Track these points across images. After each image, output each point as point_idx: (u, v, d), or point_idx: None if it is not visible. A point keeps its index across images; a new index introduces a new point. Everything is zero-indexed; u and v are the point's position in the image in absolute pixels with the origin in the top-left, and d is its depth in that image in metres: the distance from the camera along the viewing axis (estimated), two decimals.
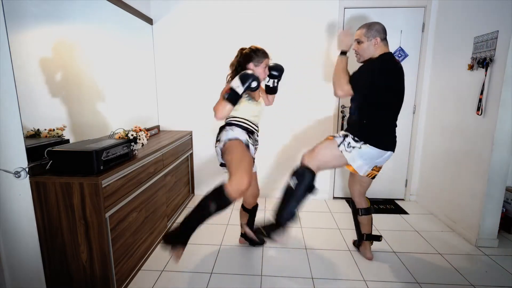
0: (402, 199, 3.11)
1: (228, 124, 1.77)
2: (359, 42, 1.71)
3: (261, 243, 2.13)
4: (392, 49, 2.83)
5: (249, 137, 1.76)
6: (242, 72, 1.58)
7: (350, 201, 2.07)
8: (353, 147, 1.66)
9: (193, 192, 3.22)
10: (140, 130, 2.09)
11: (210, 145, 3.14)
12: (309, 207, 2.90)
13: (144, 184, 1.90)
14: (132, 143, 1.79)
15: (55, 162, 1.43)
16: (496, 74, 1.98)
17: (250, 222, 2.07)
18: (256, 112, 1.80)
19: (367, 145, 1.64)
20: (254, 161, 1.88)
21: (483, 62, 2.05)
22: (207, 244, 2.20)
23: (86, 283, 1.52)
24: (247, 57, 1.73)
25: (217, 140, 1.77)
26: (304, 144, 3.06)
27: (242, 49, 1.79)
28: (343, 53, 1.73)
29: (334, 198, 3.16)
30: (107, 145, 1.51)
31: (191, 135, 3.11)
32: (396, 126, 1.75)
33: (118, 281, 1.61)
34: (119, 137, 1.91)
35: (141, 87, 2.73)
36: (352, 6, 2.80)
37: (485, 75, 2.04)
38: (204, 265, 1.93)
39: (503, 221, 2.33)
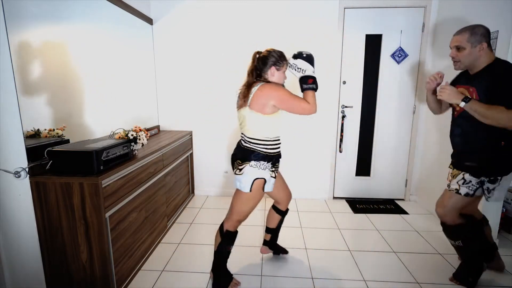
0: (402, 199, 3.11)
1: (256, 155, 1.54)
2: (459, 48, 1.52)
3: (285, 252, 2.06)
4: (392, 49, 2.85)
5: (275, 167, 1.62)
6: (303, 54, 1.51)
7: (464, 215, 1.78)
8: (494, 189, 1.52)
9: (193, 192, 3.22)
10: (140, 130, 2.09)
11: (210, 145, 3.14)
12: (309, 207, 2.90)
13: (144, 184, 1.90)
14: (132, 143, 1.79)
15: (55, 162, 1.43)
16: None
17: (279, 226, 1.95)
18: (278, 124, 1.59)
19: (505, 177, 1.49)
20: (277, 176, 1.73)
21: None
22: (207, 244, 2.20)
23: (86, 283, 1.52)
24: (264, 60, 1.54)
25: (239, 168, 1.56)
26: (304, 143, 3.06)
27: (257, 53, 1.57)
28: (466, 99, 1.45)
29: (334, 198, 3.16)
30: (107, 145, 1.51)
31: (191, 135, 3.11)
32: None
33: (118, 281, 1.61)
34: (119, 137, 1.91)
35: (141, 87, 2.73)
36: (352, 6, 2.80)
37: None
38: (204, 265, 1.93)
39: (503, 221, 2.32)
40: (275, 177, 1.62)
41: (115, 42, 2.25)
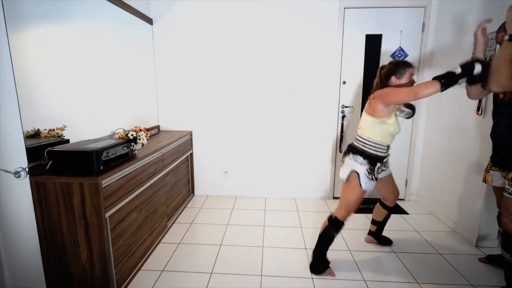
0: (402, 199, 3.11)
1: (355, 150, 1.74)
2: None
3: (389, 243, 2.18)
4: (392, 49, 2.85)
5: (371, 167, 1.71)
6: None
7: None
8: None
9: (193, 192, 3.22)
10: (140, 130, 2.09)
11: (210, 145, 3.14)
12: (309, 207, 2.90)
13: (144, 184, 1.90)
14: (132, 143, 1.79)
15: (55, 162, 1.43)
16: None
17: (385, 220, 2.10)
18: (396, 130, 1.70)
19: None
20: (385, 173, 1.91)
21: None
22: (207, 244, 2.20)
23: (86, 283, 1.52)
24: (388, 72, 1.68)
25: (342, 160, 1.82)
26: (304, 143, 3.06)
27: (381, 68, 1.75)
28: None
29: (334, 198, 3.16)
30: (107, 145, 1.51)
31: (191, 135, 3.11)
32: None
33: (118, 281, 1.61)
34: (119, 137, 1.91)
35: (141, 87, 2.73)
36: (352, 6, 2.80)
37: None
38: (204, 265, 1.93)
39: None
40: (372, 179, 1.72)
41: (115, 42, 2.25)
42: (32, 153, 1.39)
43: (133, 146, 1.81)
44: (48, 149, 1.42)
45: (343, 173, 1.78)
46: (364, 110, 1.77)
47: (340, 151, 3.03)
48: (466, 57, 2.27)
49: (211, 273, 1.85)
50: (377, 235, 2.17)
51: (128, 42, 2.46)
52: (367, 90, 2.93)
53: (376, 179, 1.77)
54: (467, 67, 1.38)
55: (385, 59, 2.87)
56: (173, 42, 2.97)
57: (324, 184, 3.13)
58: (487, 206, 2.09)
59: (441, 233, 2.37)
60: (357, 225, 2.51)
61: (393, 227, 2.48)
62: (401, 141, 3.01)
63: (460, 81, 1.41)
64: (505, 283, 1.63)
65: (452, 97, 2.46)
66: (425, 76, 2.83)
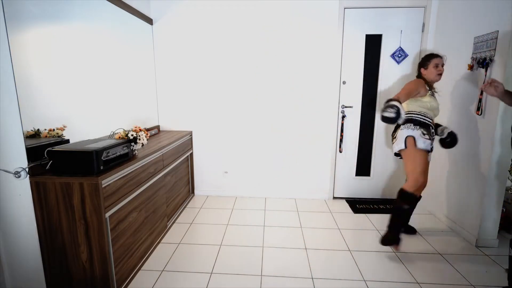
0: None
1: (406, 121, 2.00)
2: None
3: (414, 232, 2.31)
4: (392, 49, 2.86)
5: (424, 131, 1.94)
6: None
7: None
8: None
9: (193, 192, 3.22)
10: (140, 130, 2.09)
11: (210, 145, 3.14)
12: (309, 207, 2.90)
13: (144, 184, 1.90)
14: (132, 143, 1.79)
15: (55, 162, 1.43)
16: (496, 74, 1.98)
17: (413, 208, 2.11)
18: (433, 105, 2.00)
19: None
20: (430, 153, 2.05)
21: (483, 62, 2.05)
22: (207, 244, 2.20)
23: (86, 283, 1.52)
24: (418, 65, 2.12)
25: (393, 137, 2.09)
26: (304, 143, 3.06)
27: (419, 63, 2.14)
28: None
29: (334, 198, 3.16)
30: (107, 145, 1.51)
31: (191, 135, 3.11)
32: None
33: (118, 281, 1.61)
34: (119, 137, 1.91)
35: (141, 87, 2.73)
36: (352, 6, 2.80)
37: (485, 75, 2.04)
38: (204, 265, 1.93)
39: (503, 221, 2.32)
40: (429, 139, 1.94)
41: (115, 42, 2.25)
42: (32, 153, 1.39)
43: (133, 146, 1.81)
44: (48, 149, 1.42)
45: (398, 143, 2.00)
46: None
47: (340, 151, 3.04)
48: (466, 56, 2.27)
49: (211, 273, 1.85)
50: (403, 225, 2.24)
51: (128, 42, 2.46)
52: (367, 90, 2.94)
53: (433, 139, 1.97)
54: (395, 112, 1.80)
55: (385, 59, 2.87)
56: (173, 42, 2.97)
57: (324, 184, 3.13)
58: (487, 206, 2.09)
59: (441, 233, 2.37)
60: (358, 225, 2.52)
61: None
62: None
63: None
64: (507, 282, 1.63)
65: (452, 97, 2.46)
66: None
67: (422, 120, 1.98)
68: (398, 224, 1.96)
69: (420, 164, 1.93)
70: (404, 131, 1.99)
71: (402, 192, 1.94)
